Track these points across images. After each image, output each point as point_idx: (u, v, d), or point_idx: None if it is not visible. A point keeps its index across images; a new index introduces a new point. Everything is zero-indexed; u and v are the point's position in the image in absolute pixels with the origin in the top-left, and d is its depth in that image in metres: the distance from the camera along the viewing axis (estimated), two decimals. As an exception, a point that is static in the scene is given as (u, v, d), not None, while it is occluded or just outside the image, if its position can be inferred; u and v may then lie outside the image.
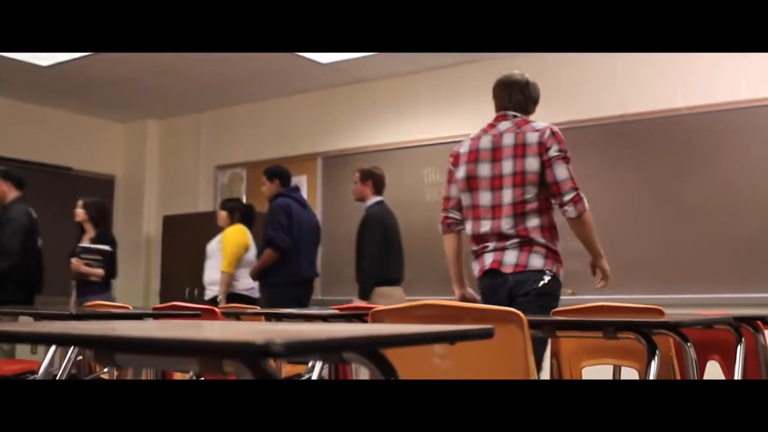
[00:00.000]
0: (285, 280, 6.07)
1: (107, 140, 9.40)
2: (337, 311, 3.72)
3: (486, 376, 1.89)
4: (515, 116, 3.64)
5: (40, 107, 8.69)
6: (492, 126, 3.67)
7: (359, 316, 3.49)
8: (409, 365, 1.36)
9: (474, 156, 3.60)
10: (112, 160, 9.41)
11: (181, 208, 8.81)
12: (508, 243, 3.50)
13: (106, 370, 3.97)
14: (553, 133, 3.52)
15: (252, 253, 6.63)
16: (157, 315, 3.16)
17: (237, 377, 2.88)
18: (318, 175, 8.04)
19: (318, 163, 8.07)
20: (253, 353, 0.93)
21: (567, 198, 3.52)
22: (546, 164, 3.49)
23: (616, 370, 3.29)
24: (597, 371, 3.02)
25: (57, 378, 2.60)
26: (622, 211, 6.32)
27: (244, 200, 8.51)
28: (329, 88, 8.00)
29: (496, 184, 3.52)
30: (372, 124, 7.73)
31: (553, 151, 3.49)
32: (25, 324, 1.25)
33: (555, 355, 2.87)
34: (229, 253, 6.52)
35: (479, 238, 3.61)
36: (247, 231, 6.74)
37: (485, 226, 3.56)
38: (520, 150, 3.51)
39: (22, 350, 7.44)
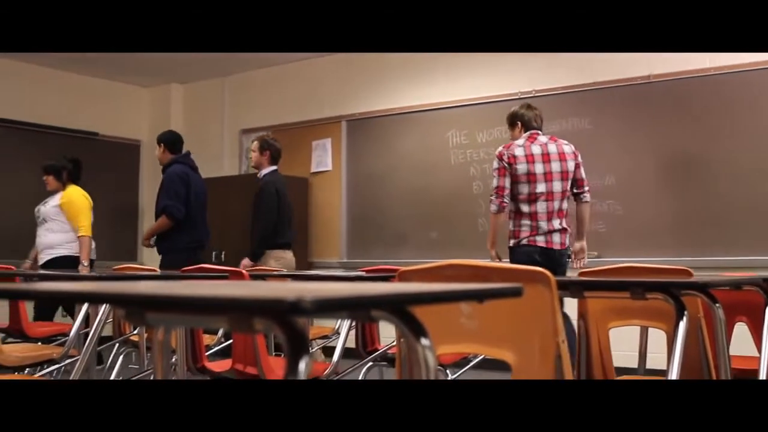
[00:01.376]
0: (186, 244, 6.17)
1: (132, 105, 9.43)
2: (363, 273, 3.73)
3: (513, 336, 1.89)
4: (542, 133, 5.21)
5: (66, 73, 8.72)
6: (534, 139, 5.12)
7: (385, 279, 3.50)
8: (436, 325, 1.36)
9: (531, 159, 5.03)
10: (137, 125, 9.45)
11: (207, 172, 8.80)
12: (556, 224, 5.00)
13: (136, 331, 4.01)
14: (575, 148, 5.18)
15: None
16: (184, 277, 3.18)
17: (265, 334, 2.89)
18: (342, 138, 8.03)
19: (342, 127, 8.05)
20: (283, 310, 0.93)
21: (586, 189, 5.14)
22: (577, 167, 5.11)
23: (644, 331, 3.28)
24: (624, 332, 3.01)
25: (89, 338, 2.63)
26: (649, 173, 6.28)
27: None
28: (353, 51, 7.97)
29: (548, 177, 5.00)
30: (396, 86, 7.69)
31: (579, 158, 5.14)
32: (56, 284, 1.26)
33: (582, 316, 2.86)
34: (84, 217, 6.41)
35: (543, 215, 4.99)
36: (84, 192, 6.62)
37: (541, 207, 4.99)
38: (562, 156, 5.06)
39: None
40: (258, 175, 6.41)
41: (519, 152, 5.02)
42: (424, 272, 1.99)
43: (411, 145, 7.55)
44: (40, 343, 4.32)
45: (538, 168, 5.00)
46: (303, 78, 8.40)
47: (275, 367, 2.98)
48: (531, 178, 4.98)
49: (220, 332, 4.20)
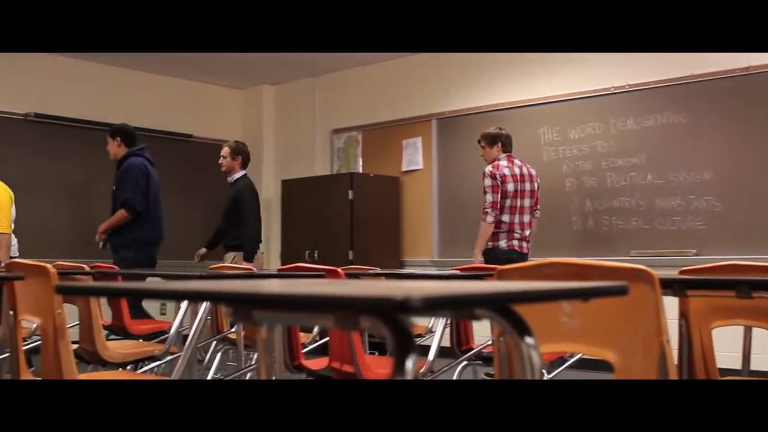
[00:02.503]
0: (145, 240, 6.17)
1: (226, 107, 9.60)
2: (458, 272, 3.72)
3: (616, 335, 1.85)
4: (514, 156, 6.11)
5: (161, 77, 8.93)
6: (512, 161, 6.04)
7: (480, 277, 3.48)
8: (536, 324, 1.35)
9: (515, 178, 5.95)
10: (230, 126, 9.60)
11: (299, 172, 8.94)
12: (527, 234, 6.02)
13: (233, 329, 4.08)
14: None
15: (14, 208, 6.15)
16: (281, 276, 3.22)
17: (370, 333, 2.92)
18: (433, 137, 8.02)
19: (433, 125, 8.04)
20: (391, 308, 0.93)
21: (538, 206, 6.16)
22: (538, 188, 6.12)
23: (747, 331, 3.18)
24: (727, 332, 2.93)
25: (191, 335, 2.68)
26: (749, 167, 6.10)
27: (360, 164, 8.58)
28: (445, 51, 7.95)
29: (523, 195, 5.96)
30: (487, 84, 7.64)
31: (538, 180, 6.16)
32: (164, 282, 1.29)
33: (684, 315, 2.79)
34: (2, 215, 5.89)
35: (518, 225, 5.95)
36: (4, 185, 6.09)
37: (518, 219, 5.95)
38: (531, 178, 6.06)
39: (150, 311, 7.71)
40: (229, 179, 6.67)
41: (507, 172, 5.94)
42: (523, 271, 1.97)
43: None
44: (141, 341, 4.43)
45: (518, 186, 5.94)
46: (393, 77, 8.42)
47: (371, 365, 2.99)
48: (514, 194, 5.93)
49: (316, 330, 4.24)
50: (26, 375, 2.67)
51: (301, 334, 3.94)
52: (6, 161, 7.63)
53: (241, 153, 6.62)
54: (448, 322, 3.67)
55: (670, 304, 2.96)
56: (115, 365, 3.57)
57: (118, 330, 4.64)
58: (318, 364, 3.16)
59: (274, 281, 1.45)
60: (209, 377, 4.68)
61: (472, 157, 7.65)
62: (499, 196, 5.88)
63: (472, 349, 3.78)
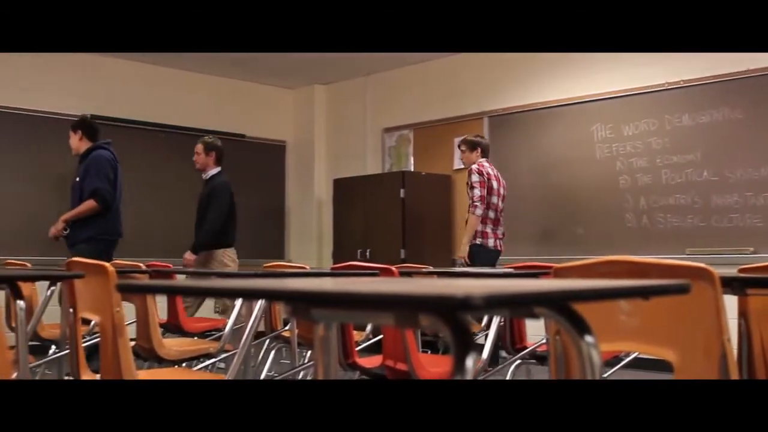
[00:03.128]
0: (107, 236, 5.99)
1: (278, 107, 9.66)
2: (512, 270, 3.70)
3: (676, 334, 1.83)
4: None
5: (214, 77, 9.01)
6: (490, 164, 6.49)
7: (534, 275, 3.45)
8: (594, 323, 1.33)
9: (496, 178, 6.41)
10: (282, 126, 9.67)
11: (350, 170, 8.96)
12: (502, 232, 6.52)
13: (287, 327, 4.10)
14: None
15: None
16: (335, 274, 3.23)
17: (429, 331, 2.92)
18: (485, 134, 7.98)
19: (485, 123, 8.01)
20: (452, 306, 0.93)
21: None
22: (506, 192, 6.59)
23: (809, 330, 3.12)
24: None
25: (246, 333, 2.71)
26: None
27: (412, 162, 8.58)
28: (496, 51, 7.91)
29: (499, 193, 6.43)
30: (539, 81, 7.59)
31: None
32: (223, 281, 1.30)
33: (743, 314, 2.74)
34: None
35: (495, 222, 6.38)
36: None
37: (496, 216, 6.39)
38: (503, 183, 6.51)
39: (204, 310, 7.79)
40: (204, 176, 6.53)
41: (490, 171, 6.40)
42: (580, 269, 1.95)
43: (555, 140, 7.44)
44: (196, 338, 4.48)
45: (497, 185, 6.40)
46: (444, 75, 8.40)
47: (425, 364, 2.99)
48: (496, 192, 6.37)
49: (368, 328, 4.25)
50: (85, 371, 2.71)
51: (354, 332, 3.95)
52: (64, 162, 7.75)
53: (215, 149, 6.47)
54: (501, 320, 3.65)
55: (729, 304, 2.91)
56: (171, 362, 3.61)
57: (173, 327, 4.69)
58: (372, 362, 3.17)
59: (329, 279, 1.46)
60: (263, 375, 4.72)
61: (525, 154, 7.61)
62: (486, 191, 6.28)
63: (526, 347, 3.76)
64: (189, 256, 6.24)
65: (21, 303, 2.44)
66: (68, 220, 5.90)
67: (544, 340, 3.54)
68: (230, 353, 3.83)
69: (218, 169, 6.48)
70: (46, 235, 6.48)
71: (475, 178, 6.28)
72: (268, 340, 4.68)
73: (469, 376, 1.00)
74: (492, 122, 7.95)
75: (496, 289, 0.99)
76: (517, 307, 1.14)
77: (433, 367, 3.05)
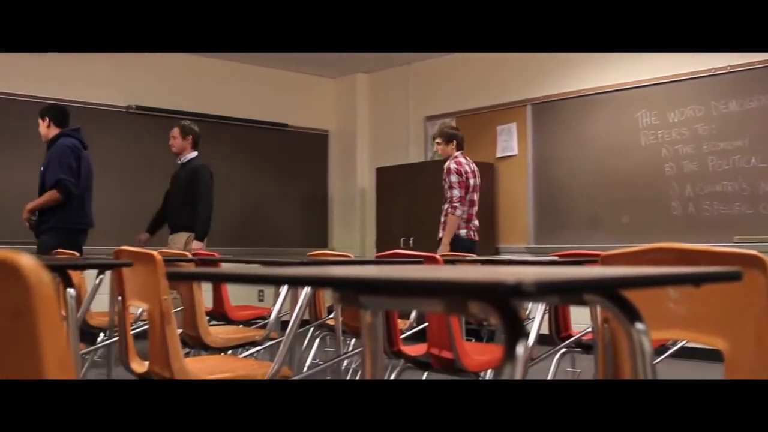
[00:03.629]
0: (74, 225, 5.90)
1: (320, 96, 9.68)
2: (556, 258, 3.68)
3: (726, 322, 1.81)
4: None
5: (257, 68, 9.05)
6: (466, 158, 6.61)
7: (579, 263, 3.43)
8: (643, 311, 1.32)
9: (473, 174, 6.56)
10: (325, 115, 9.69)
11: (393, 159, 8.97)
12: (478, 224, 6.64)
13: (331, 315, 4.12)
14: None
15: None
16: (380, 262, 3.24)
17: (474, 320, 2.91)
18: (528, 122, 7.94)
19: (527, 111, 7.96)
20: (503, 293, 0.92)
21: None
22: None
23: None
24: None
25: (292, 321, 2.72)
26: None
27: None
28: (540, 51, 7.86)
29: (476, 189, 6.59)
30: (582, 67, 7.52)
31: None
32: (274, 269, 1.31)
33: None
34: None
35: (474, 216, 6.56)
36: None
37: (474, 210, 6.57)
38: (478, 174, 6.65)
39: (248, 298, 7.86)
40: (179, 160, 6.54)
41: (468, 168, 6.53)
42: (628, 256, 1.94)
43: (599, 127, 7.37)
44: (241, 326, 4.52)
45: (474, 182, 6.55)
46: (487, 62, 8.36)
47: (470, 352, 2.99)
48: (473, 189, 6.53)
49: (413, 316, 4.25)
50: (134, 359, 2.75)
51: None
52: (109, 151, 7.87)
53: (192, 132, 6.48)
54: (546, 308, 3.64)
55: None
56: (217, 350, 3.65)
57: (218, 315, 4.74)
58: (416, 350, 3.17)
59: (375, 267, 1.46)
60: (308, 363, 4.75)
61: (569, 142, 7.56)
62: (465, 190, 6.46)
63: (571, 336, 3.74)
64: (196, 245, 6.25)
65: (71, 291, 2.48)
66: (32, 210, 5.84)
67: (589, 329, 3.52)
68: (275, 341, 3.85)
69: (195, 153, 6.52)
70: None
71: (454, 178, 6.44)
72: (312, 329, 4.71)
73: (520, 364, 1.00)
74: (535, 110, 7.90)
75: (547, 275, 0.98)
76: (568, 293, 1.13)
77: (478, 355, 3.04)
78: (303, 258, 3.82)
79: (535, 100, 7.90)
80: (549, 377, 3.73)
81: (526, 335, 1.01)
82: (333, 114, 9.76)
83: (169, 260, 3.78)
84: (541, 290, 0.92)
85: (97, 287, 3.78)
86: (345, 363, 4.81)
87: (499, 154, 8.17)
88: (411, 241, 7.93)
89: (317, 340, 4.80)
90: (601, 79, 7.36)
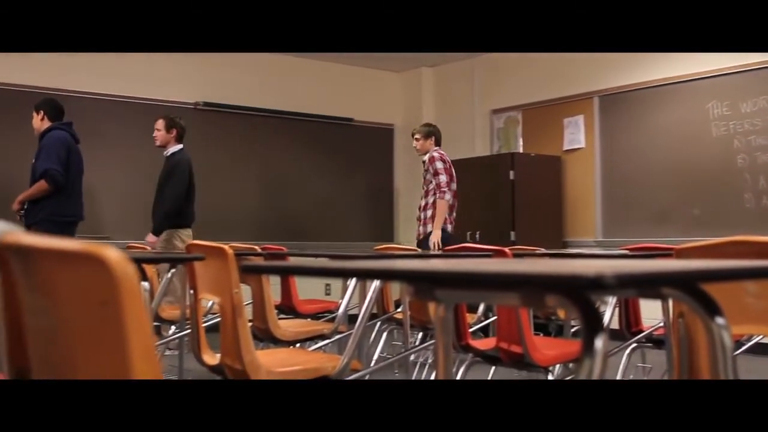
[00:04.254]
0: (64, 217, 5.86)
1: (385, 91, 9.69)
2: (626, 251, 3.63)
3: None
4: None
5: (321, 62, 9.09)
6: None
7: (651, 256, 3.38)
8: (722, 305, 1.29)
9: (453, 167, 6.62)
10: (390, 109, 9.70)
11: (459, 153, 8.92)
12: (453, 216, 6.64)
13: (399, 309, 4.12)
14: None
15: None
16: (449, 256, 3.23)
17: (542, 314, 2.90)
18: (595, 114, 7.85)
19: (595, 103, 7.87)
20: (582, 285, 0.91)
21: None
22: None
23: None
24: None
25: (362, 314, 2.73)
26: None
27: (521, 143, 8.50)
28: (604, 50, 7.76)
29: (456, 180, 6.60)
30: (651, 58, 7.39)
31: None
32: (345, 261, 1.31)
33: None
34: None
35: (452, 208, 6.55)
36: None
37: (455, 203, 6.58)
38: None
39: (315, 292, 7.91)
40: (165, 153, 6.41)
41: (448, 158, 6.63)
42: (704, 249, 1.90)
43: (668, 119, 7.25)
44: (309, 320, 4.55)
45: (455, 174, 6.60)
46: (553, 54, 8.26)
47: (539, 346, 2.96)
48: (456, 180, 6.57)
49: (480, 310, 4.24)
50: (206, 351, 2.79)
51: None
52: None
53: (176, 126, 6.37)
54: (616, 303, 3.59)
55: None
56: (286, 343, 3.68)
57: (287, 309, 4.78)
58: (485, 344, 3.16)
59: (445, 260, 1.45)
60: (375, 356, 4.76)
61: (638, 134, 7.45)
62: (450, 177, 6.49)
63: (642, 331, 3.69)
64: (150, 238, 6.15)
65: (146, 284, 2.52)
66: (23, 201, 5.86)
67: (661, 324, 3.47)
68: (343, 335, 3.88)
69: (180, 146, 6.41)
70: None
71: (439, 165, 6.47)
72: (379, 322, 4.73)
73: (599, 358, 0.99)
74: (602, 102, 7.80)
75: (627, 268, 0.97)
76: (647, 287, 1.11)
77: (547, 349, 3.02)
78: (369, 252, 3.83)
79: (602, 92, 7.80)
80: (619, 373, 3.68)
81: (605, 329, 1.00)
82: (398, 108, 9.76)
83: (239, 254, 3.82)
84: (622, 283, 0.91)
85: (169, 281, 3.84)
86: (412, 357, 4.81)
87: (566, 147, 8.09)
88: (477, 236, 7.90)
89: (384, 334, 4.81)
90: (670, 70, 7.23)
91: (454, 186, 6.53)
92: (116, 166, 7.73)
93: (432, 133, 6.73)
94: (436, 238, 6.37)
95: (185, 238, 6.20)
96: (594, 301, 0.98)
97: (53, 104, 6.12)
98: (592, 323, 0.98)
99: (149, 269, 4.24)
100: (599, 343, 0.98)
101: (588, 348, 0.99)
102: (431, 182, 6.51)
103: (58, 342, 0.92)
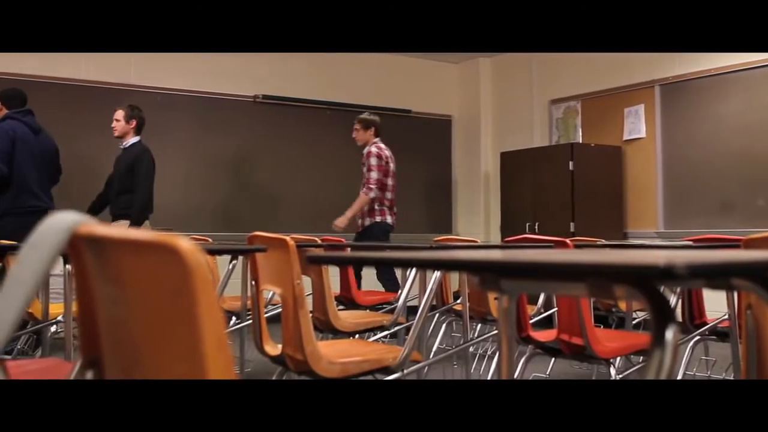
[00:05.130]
0: (21, 209, 5.66)
1: (443, 81, 9.66)
2: (691, 242, 3.57)
3: None
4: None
5: (379, 54, 9.10)
6: (382, 144, 6.74)
7: (716, 247, 3.32)
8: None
9: (392, 160, 6.75)
10: (448, 100, 9.67)
11: (517, 143, 8.88)
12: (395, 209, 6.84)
13: (458, 300, 4.11)
14: None
15: None
16: (509, 246, 3.21)
17: (603, 306, 2.87)
18: (656, 103, 7.73)
19: (656, 92, 7.75)
20: (653, 275, 0.90)
21: None
22: None
23: None
24: None
25: (422, 306, 2.73)
26: None
27: (580, 134, 8.42)
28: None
29: (393, 175, 6.75)
30: (715, 46, 7.25)
31: None
32: (414, 252, 1.31)
33: None
34: None
35: (391, 202, 6.76)
36: None
37: (392, 196, 6.76)
38: (394, 160, 6.82)
39: (373, 283, 7.92)
40: (121, 144, 6.21)
41: (387, 153, 6.73)
42: (773, 240, 1.87)
43: (732, 108, 7.11)
44: (368, 311, 4.57)
45: (393, 166, 6.75)
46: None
47: (601, 338, 2.94)
48: (392, 174, 6.73)
49: (540, 301, 4.21)
50: (268, 341, 2.81)
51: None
52: (237, 140, 8.09)
53: (137, 116, 6.19)
54: (679, 294, 3.54)
55: None
56: (346, 334, 3.70)
57: (346, 301, 4.80)
58: (545, 336, 3.14)
59: (508, 251, 1.45)
60: (434, 348, 4.77)
61: (700, 123, 7.32)
62: (383, 174, 6.63)
63: (706, 323, 3.63)
64: None
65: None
66: None
67: (725, 316, 3.41)
68: (403, 326, 3.88)
69: (137, 138, 6.21)
70: (217, 211, 6.77)
71: (374, 161, 6.61)
72: (438, 314, 4.72)
73: (669, 350, 0.97)
74: (664, 90, 7.68)
75: (698, 258, 0.95)
76: (718, 277, 1.09)
77: (609, 341, 2.99)
78: (428, 243, 3.82)
79: (663, 80, 7.68)
80: (683, 366, 3.63)
81: (675, 320, 0.98)
82: (456, 99, 9.73)
83: (299, 246, 3.85)
84: (693, 273, 0.89)
85: (230, 272, 3.88)
86: (471, 348, 4.80)
87: (626, 137, 7.99)
88: (536, 227, 7.84)
89: (443, 326, 4.80)
90: (733, 58, 7.08)
91: (390, 181, 6.72)
92: (179, 159, 7.83)
93: (372, 123, 6.82)
94: (342, 224, 6.72)
95: (146, 227, 6.08)
96: (663, 292, 0.97)
97: (10, 92, 5.91)
98: (663, 314, 0.97)
99: (210, 261, 4.29)
100: (669, 334, 0.97)
101: (658, 339, 0.97)
102: (365, 174, 6.66)
103: (129, 331, 0.94)
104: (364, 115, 6.90)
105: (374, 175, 6.59)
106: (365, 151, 6.71)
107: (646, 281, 0.95)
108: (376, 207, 6.67)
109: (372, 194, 6.59)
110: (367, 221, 6.69)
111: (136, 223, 6.01)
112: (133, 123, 6.16)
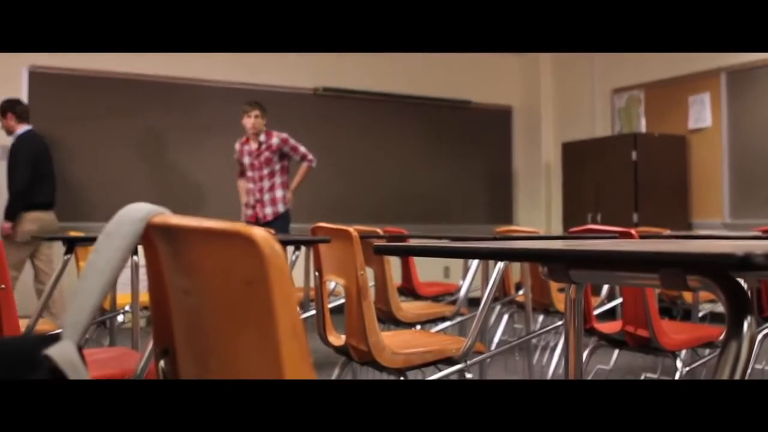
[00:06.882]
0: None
1: (503, 72, 9.60)
2: (759, 233, 3.50)
3: None
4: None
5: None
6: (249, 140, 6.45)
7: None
8: None
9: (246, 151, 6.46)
10: (508, 90, 9.61)
11: (579, 134, 8.79)
12: None
13: (521, 292, 4.09)
14: None
15: None
16: (573, 237, 3.18)
17: (666, 297, 2.83)
18: (722, 92, 7.57)
19: (722, 79, 7.59)
20: (730, 265, 0.88)
21: None
22: None
23: None
24: None
25: (485, 297, 2.72)
26: None
27: (643, 123, 8.31)
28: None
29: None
30: (783, 32, 7.09)
31: None
32: (472, 242, 1.30)
33: None
34: None
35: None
36: None
37: None
38: None
39: (434, 274, 7.94)
40: (12, 138, 6.05)
41: (240, 146, 6.51)
42: None
43: (801, 95, 6.94)
44: (429, 302, 4.57)
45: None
46: (677, 31, 8.02)
47: (667, 330, 2.89)
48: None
49: (603, 293, 4.17)
50: (332, 332, 2.83)
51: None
52: (298, 132, 8.13)
53: (11, 108, 6.01)
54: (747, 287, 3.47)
55: None
56: (408, 325, 3.70)
57: (407, 291, 4.81)
58: (610, 327, 3.10)
59: (572, 241, 1.43)
60: (496, 339, 4.75)
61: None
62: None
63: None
64: (4, 224, 5.88)
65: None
66: None
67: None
68: (465, 317, 3.87)
69: (25, 128, 6.03)
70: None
71: (293, 141, 6.40)
72: (500, 305, 4.70)
73: (746, 341, 0.96)
74: (730, 78, 7.52)
75: (776, 248, 0.93)
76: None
77: (675, 333, 2.95)
78: (489, 234, 3.81)
79: (730, 68, 7.52)
80: (752, 359, 3.56)
81: (753, 311, 0.96)
82: (516, 89, 9.66)
83: (362, 237, 3.86)
84: (772, 263, 0.87)
85: (293, 263, 3.91)
86: (534, 341, 4.77)
87: (691, 126, 7.85)
88: (598, 217, 7.76)
89: (505, 317, 4.78)
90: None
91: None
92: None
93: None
94: (288, 199, 6.46)
95: (37, 218, 5.95)
96: (738, 284, 0.95)
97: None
98: (740, 304, 0.95)
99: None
100: (746, 325, 0.95)
101: (735, 331, 0.96)
102: (277, 164, 6.36)
103: (202, 321, 0.95)
104: (257, 102, 6.45)
105: (303, 149, 6.43)
106: (275, 137, 6.33)
107: (723, 271, 0.94)
108: (287, 195, 6.47)
109: (315, 164, 6.51)
110: (270, 209, 6.37)
111: (10, 213, 5.89)
112: (10, 116, 6.05)
